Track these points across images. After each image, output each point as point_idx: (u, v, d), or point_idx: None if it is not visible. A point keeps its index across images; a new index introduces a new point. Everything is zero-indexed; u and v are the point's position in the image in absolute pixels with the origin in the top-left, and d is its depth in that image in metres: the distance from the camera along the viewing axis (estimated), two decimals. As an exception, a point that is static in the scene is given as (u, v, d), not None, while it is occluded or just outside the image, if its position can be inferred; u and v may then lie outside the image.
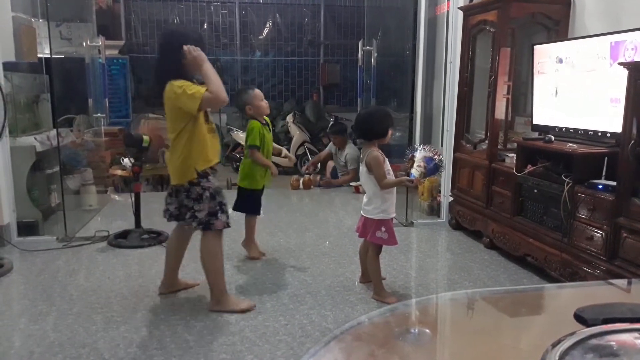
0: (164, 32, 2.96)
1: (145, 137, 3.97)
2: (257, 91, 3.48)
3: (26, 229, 4.06)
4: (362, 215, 2.98)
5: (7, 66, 4.08)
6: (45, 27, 4.46)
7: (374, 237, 2.90)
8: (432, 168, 2.84)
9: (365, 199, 2.97)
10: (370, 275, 3.03)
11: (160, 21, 8.56)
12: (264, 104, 3.50)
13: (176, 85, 2.58)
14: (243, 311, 2.77)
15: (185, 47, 2.57)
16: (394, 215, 2.95)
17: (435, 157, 2.85)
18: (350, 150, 6.06)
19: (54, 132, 4.47)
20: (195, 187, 2.67)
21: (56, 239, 3.99)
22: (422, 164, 2.83)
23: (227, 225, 2.78)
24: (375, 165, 2.82)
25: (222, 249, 2.83)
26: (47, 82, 4.72)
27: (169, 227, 4.24)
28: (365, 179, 2.94)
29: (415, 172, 2.84)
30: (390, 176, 2.89)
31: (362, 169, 2.94)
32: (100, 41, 5.77)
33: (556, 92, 3.43)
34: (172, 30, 2.96)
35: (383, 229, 2.88)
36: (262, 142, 3.47)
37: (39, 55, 4.99)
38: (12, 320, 2.71)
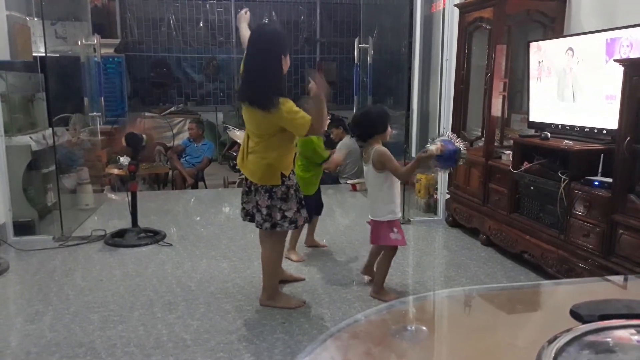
0: (264, 32, 2.69)
1: (144, 137, 3.98)
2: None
3: (22, 228, 4.05)
4: (371, 220, 2.92)
5: (2, 65, 4.07)
6: (40, 26, 4.44)
7: (389, 239, 2.85)
8: (450, 151, 2.65)
9: (370, 201, 2.94)
10: (377, 274, 3.00)
11: (155, 19, 8.54)
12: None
13: (286, 108, 2.51)
14: (292, 308, 2.80)
15: (312, 84, 2.48)
16: (400, 215, 2.94)
17: (456, 143, 2.69)
18: (345, 140, 5.98)
19: (49, 131, 4.45)
20: (280, 187, 2.66)
21: (52, 238, 3.98)
22: (439, 144, 2.67)
23: (308, 220, 2.86)
24: (387, 160, 2.77)
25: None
26: (43, 81, 4.69)
27: (165, 226, 4.26)
28: (372, 179, 2.87)
29: (431, 146, 2.68)
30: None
31: (367, 168, 2.89)
32: (95, 40, 5.74)
33: (552, 89, 3.43)
34: (275, 32, 2.72)
35: (395, 229, 2.84)
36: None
37: (34, 54, 4.96)
38: (8, 320, 2.71)
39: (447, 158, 2.67)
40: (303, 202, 2.77)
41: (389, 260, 2.96)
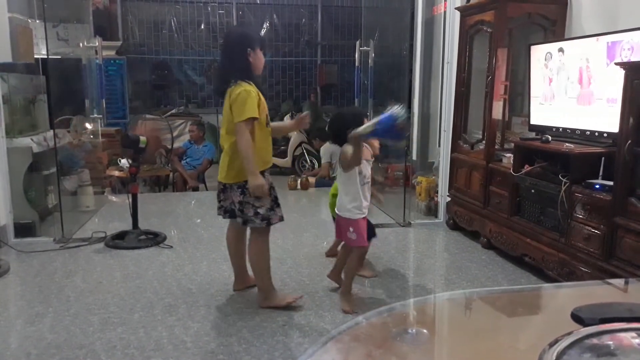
0: (230, 32, 3.00)
1: (143, 138, 3.96)
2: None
3: (23, 230, 4.05)
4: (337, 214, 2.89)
5: (4, 67, 4.07)
6: (41, 28, 4.45)
7: (347, 238, 2.84)
8: (384, 119, 2.48)
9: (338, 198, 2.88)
10: (344, 274, 2.93)
11: (157, 22, 8.56)
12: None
13: (237, 91, 2.61)
14: (290, 304, 2.81)
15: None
16: (362, 216, 2.80)
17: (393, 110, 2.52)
18: (325, 145, 5.95)
19: (50, 133, 4.46)
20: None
21: (53, 240, 3.98)
22: (369, 123, 2.57)
23: (282, 219, 2.82)
24: (342, 153, 2.70)
25: (269, 246, 2.88)
26: (44, 83, 4.70)
27: (166, 228, 4.26)
28: (339, 177, 2.85)
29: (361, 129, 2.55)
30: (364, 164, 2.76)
31: (338, 168, 2.84)
32: (97, 42, 5.75)
33: (553, 92, 3.43)
34: (239, 30, 2.99)
35: (351, 229, 2.78)
36: None
37: (35, 56, 4.98)
38: (8, 322, 2.70)
39: (386, 128, 2.49)
40: (278, 201, 2.80)
41: (355, 263, 2.89)
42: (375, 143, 3.01)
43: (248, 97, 2.60)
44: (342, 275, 2.97)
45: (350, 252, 2.92)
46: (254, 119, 2.62)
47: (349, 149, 2.63)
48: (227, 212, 2.85)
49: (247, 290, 3.05)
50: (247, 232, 2.93)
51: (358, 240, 2.80)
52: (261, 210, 2.72)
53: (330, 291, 3.07)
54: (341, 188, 2.84)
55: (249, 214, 2.73)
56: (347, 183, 2.80)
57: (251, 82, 2.69)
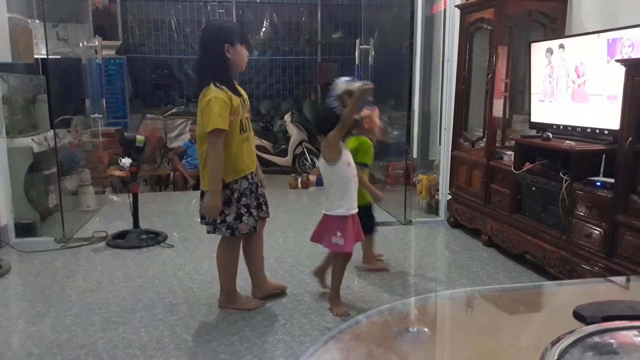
0: (206, 27, 2.82)
1: (140, 138, 3.95)
2: (376, 108, 3.14)
3: (24, 230, 4.05)
4: (323, 214, 2.70)
5: (4, 67, 4.07)
6: (41, 28, 4.44)
7: (329, 243, 2.65)
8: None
9: (325, 196, 2.71)
10: (332, 282, 2.82)
11: (157, 21, 8.54)
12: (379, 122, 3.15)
13: (207, 98, 2.46)
14: (250, 309, 2.79)
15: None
16: (355, 211, 2.69)
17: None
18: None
19: (51, 133, 4.45)
20: (224, 190, 2.56)
21: (54, 239, 3.98)
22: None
23: (254, 230, 2.68)
24: (327, 140, 2.59)
25: (239, 252, 2.80)
26: (44, 83, 4.70)
27: (166, 228, 4.26)
28: (324, 171, 2.69)
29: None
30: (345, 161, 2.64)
31: (320, 161, 2.72)
32: (96, 41, 5.75)
33: (553, 89, 3.43)
34: (216, 25, 2.85)
35: (339, 233, 2.61)
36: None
37: (35, 56, 4.97)
38: (10, 322, 2.71)
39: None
40: (251, 210, 2.65)
41: (340, 267, 2.77)
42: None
43: (215, 105, 2.43)
44: (329, 280, 2.88)
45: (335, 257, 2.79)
46: (221, 130, 2.46)
47: (334, 133, 2.53)
48: (203, 217, 2.69)
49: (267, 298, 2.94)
50: (252, 239, 2.85)
51: (345, 245, 2.63)
52: (228, 219, 2.60)
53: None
54: (329, 183, 2.66)
55: (216, 222, 2.61)
56: (336, 176, 2.63)
57: (223, 86, 2.51)
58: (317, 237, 2.74)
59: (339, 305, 2.79)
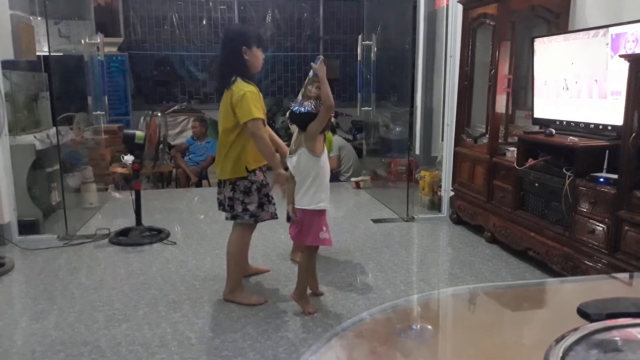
0: (226, 30, 2.98)
1: (139, 134, 3.94)
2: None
3: (27, 227, 4.06)
4: (299, 210, 2.64)
5: (6, 64, 4.06)
6: (43, 25, 4.44)
7: (317, 239, 2.61)
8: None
9: (297, 190, 2.65)
10: (298, 276, 2.76)
11: (159, 18, 8.54)
12: None
13: (241, 92, 2.64)
14: (252, 305, 2.81)
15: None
16: (328, 207, 2.67)
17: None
18: (335, 138, 6.00)
19: (53, 130, 4.46)
20: (243, 181, 2.77)
21: (57, 237, 3.99)
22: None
23: (275, 216, 2.88)
24: (311, 136, 2.59)
25: (250, 240, 2.93)
26: (46, 80, 4.70)
27: (169, 225, 4.26)
28: (304, 164, 2.61)
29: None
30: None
31: (296, 156, 2.65)
32: (99, 38, 5.74)
33: (557, 85, 3.41)
34: (235, 29, 3.27)
35: (324, 228, 2.61)
36: None
37: (37, 53, 4.97)
38: (13, 319, 2.71)
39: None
40: (271, 198, 2.85)
41: (310, 261, 2.75)
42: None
43: (251, 98, 2.65)
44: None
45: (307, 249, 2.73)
46: (259, 119, 2.68)
47: (318, 120, 2.58)
48: (221, 204, 2.90)
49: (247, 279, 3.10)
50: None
51: (330, 239, 2.66)
52: (250, 207, 2.79)
53: (334, 287, 3.06)
54: (306, 175, 2.60)
55: (237, 210, 2.79)
56: (320, 168, 2.60)
57: (251, 82, 2.74)
58: (300, 235, 2.68)
59: (305, 302, 2.74)
